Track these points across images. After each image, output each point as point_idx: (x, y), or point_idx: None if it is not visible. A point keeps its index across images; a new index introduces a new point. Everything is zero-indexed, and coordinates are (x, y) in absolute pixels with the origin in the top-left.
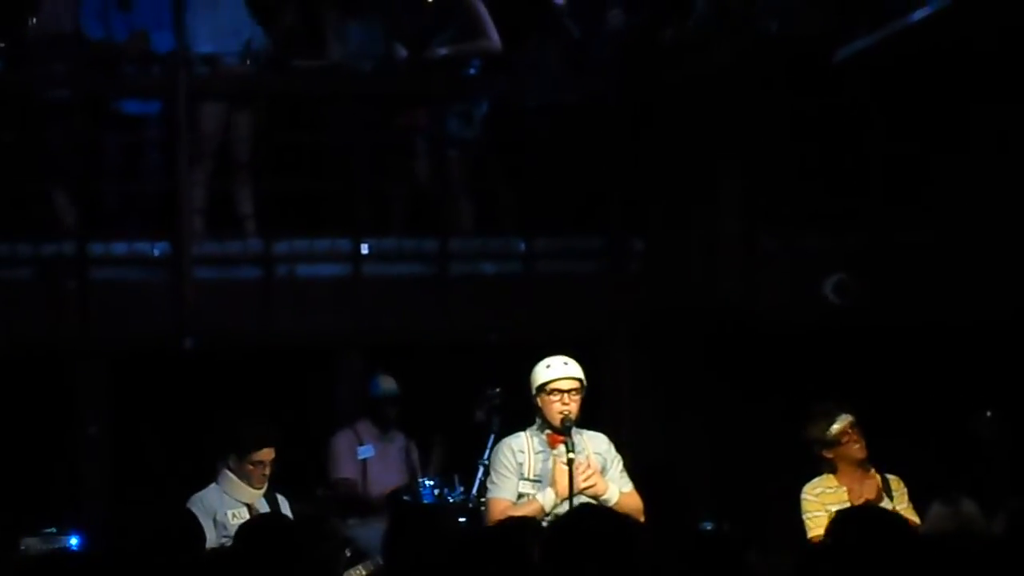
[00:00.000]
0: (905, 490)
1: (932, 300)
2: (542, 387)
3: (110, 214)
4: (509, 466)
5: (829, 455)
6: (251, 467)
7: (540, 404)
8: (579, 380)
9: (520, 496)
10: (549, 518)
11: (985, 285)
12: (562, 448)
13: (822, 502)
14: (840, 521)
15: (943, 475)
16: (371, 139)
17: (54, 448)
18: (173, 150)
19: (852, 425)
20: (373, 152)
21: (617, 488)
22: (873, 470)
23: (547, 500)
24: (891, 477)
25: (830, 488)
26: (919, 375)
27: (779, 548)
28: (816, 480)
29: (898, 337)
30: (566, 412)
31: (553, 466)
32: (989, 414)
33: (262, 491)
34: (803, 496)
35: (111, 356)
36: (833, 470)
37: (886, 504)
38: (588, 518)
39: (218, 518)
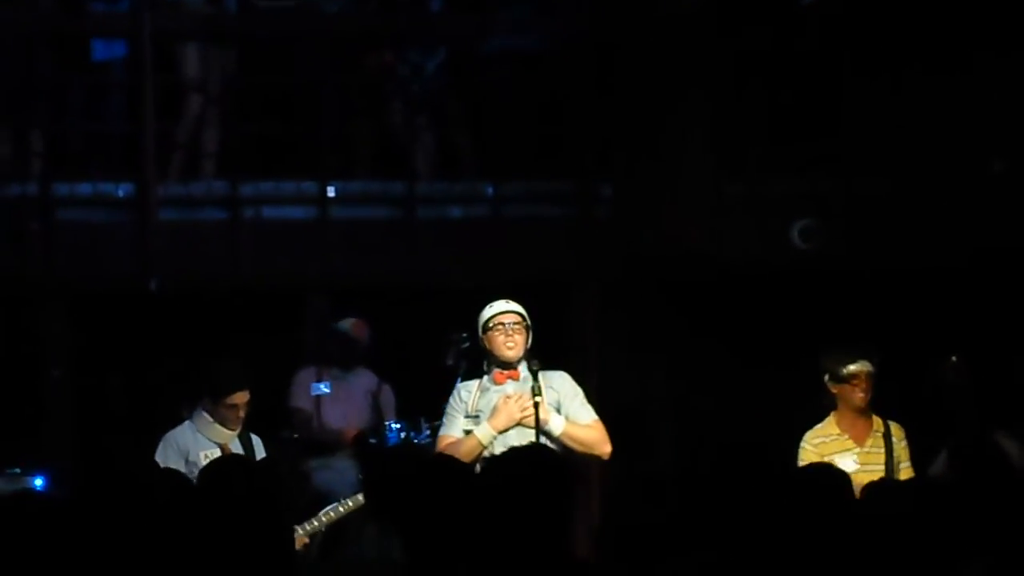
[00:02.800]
0: (905, 439)
1: (899, 245)
2: (486, 325)
3: (75, 155)
4: (456, 406)
5: (834, 390)
6: (226, 410)
7: (487, 343)
8: (520, 315)
9: (467, 433)
10: (486, 453)
11: (951, 230)
12: (507, 385)
13: (820, 452)
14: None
15: (909, 420)
16: (338, 80)
17: (18, 389)
18: (138, 91)
19: (868, 375)
20: (340, 94)
21: (562, 420)
22: (876, 419)
23: (483, 434)
24: (893, 424)
25: (831, 436)
26: (886, 319)
27: None
28: (818, 428)
29: (865, 282)
30: (511, 345)
31: (495, 403)
32: (955, 359)
33: (236, 432)
34: (802, 445)
35: (75, 297)
36: (834, 407)
37: (878, 451)
38: (519, 459)
39: (191, 458)
